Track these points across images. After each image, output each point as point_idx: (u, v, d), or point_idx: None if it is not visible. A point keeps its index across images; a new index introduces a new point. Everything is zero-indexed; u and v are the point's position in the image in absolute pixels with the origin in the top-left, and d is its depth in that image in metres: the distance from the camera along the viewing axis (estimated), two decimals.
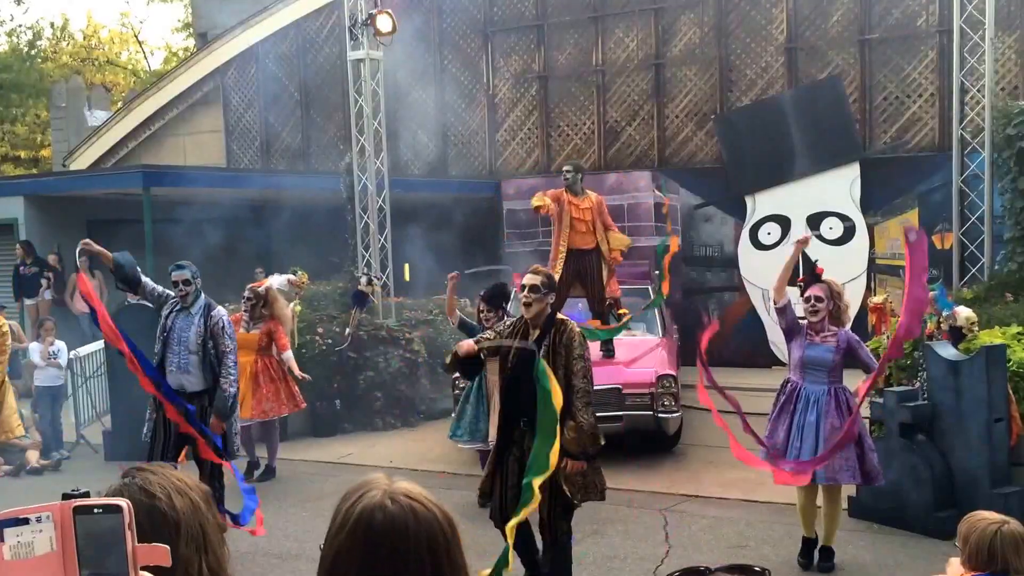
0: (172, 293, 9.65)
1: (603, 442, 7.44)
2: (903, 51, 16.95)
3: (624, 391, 12.28)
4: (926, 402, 9.75)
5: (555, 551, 7.54)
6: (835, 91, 17.21)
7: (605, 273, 13.10)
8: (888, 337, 11.28)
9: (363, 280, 15.00)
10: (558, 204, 12.94)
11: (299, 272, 14.66)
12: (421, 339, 15.62)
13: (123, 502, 1.91)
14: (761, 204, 17.52)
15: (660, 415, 12.23)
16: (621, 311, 13.34)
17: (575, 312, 13.27)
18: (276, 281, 13.26)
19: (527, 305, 7.30)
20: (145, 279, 9.64)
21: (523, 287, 7.35)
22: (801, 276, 9.07)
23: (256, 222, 19.40)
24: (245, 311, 12.46)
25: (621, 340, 13.21)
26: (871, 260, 17.08)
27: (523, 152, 20.21)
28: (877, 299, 13.15)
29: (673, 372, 12.56)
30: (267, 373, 12.39)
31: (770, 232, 17.43)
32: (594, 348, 13.04)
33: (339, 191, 16.78)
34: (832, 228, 16.97)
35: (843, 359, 8.44)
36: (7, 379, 13.44)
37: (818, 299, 8.45)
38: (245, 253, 18.18)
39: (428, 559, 2.22)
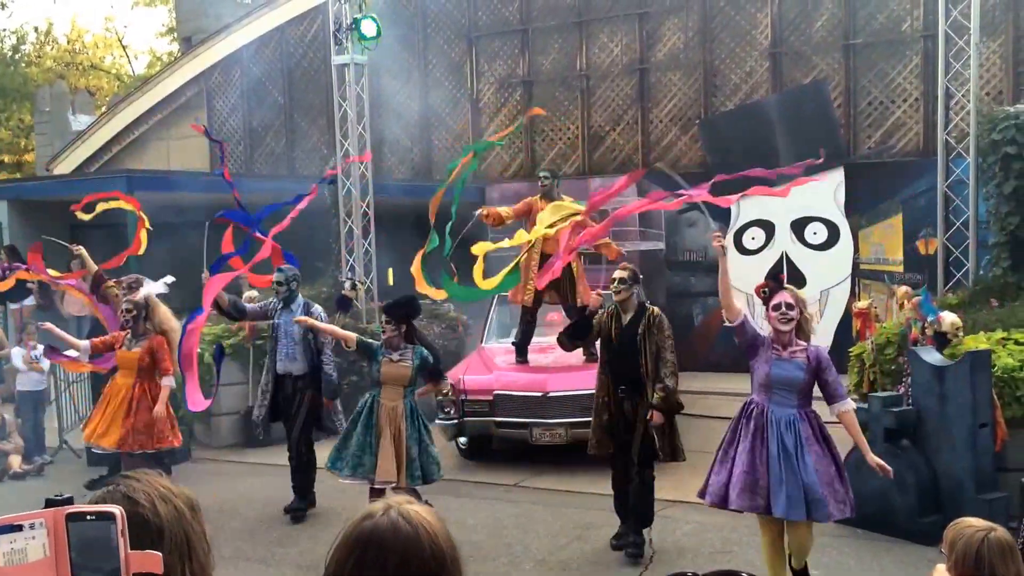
0: (272, 299, 11.43)
1: (683, 407, 9.18)
2: (888, 56, 16.95)
3: None
4: (911, 407, 9.74)
5: (642, 489, 9.32)
6: (820, 95, 17.21)
7: (578, 280, 13.08)
8: (872, 341, 11.28)
9: (347, 285, 14.92)
10: (529, 212, 12.96)
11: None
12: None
13: (116, 509, 1.93)
14: (746, 209, 17.49)
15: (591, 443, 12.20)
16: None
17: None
18: (153, 288, 11.50)
19: (617, 293, 9.24)
20: (248, 306, 11.52)
21: (613, 279, 9.27)
22: (763, 281, 8.00)
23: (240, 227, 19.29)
24: (127, 325, 11.15)
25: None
26: (855, 265, 17.07)
27: (507, 157, 20.18)
28: (862, 304, 13.17)
29: None
30: (145, 402, 10.85)
31: (754, 237, 17.41)
32: (577, 353, 13.07)
33: (323, 196, 16.71)
34: (816, 233, 16.96)
35: (813, 378, 7.53)
36: None
37: (789, 306, 7.54)
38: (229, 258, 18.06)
39: None
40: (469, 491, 11.04)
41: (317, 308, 11.30)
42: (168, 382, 10.90)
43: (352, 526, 2.31)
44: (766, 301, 7.69)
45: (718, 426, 8.65)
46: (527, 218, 13.26)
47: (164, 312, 11.26)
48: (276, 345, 11.20)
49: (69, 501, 1.95)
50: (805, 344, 7.60)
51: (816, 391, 7.69)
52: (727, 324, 7.86)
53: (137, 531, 2.12)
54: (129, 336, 11.06)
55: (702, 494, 7.83)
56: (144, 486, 2.25)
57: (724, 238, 8.34)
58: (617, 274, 9.36)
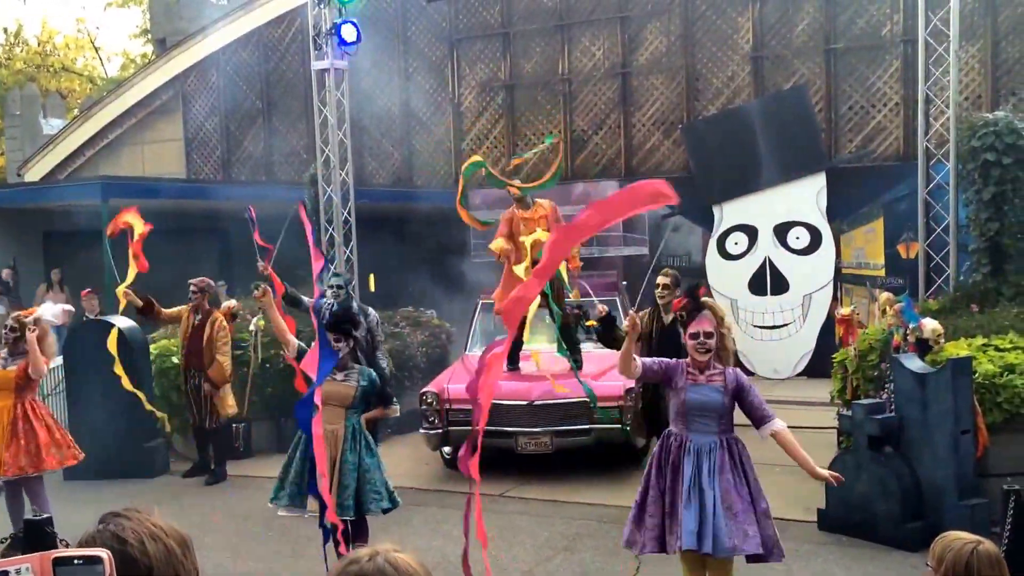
0: (327, 298, 12.07)
1: None
2: (868, 60, 17.21)
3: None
4: (893, 414, 9.94)
5: None
6: (801, 100, 17.44)
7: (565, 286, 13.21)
8: (855, 348, 11.50)
9: (328, 293, 15.06)
10: (510, 230, 13.06)
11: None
12: (388, 351, 15.68)
13: (103, 553, 1.98)
14: (729, 214, 17.71)
15: (628, 428, 12.34)
16: (590, 322, 13.46)
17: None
18: (48, 312, 11.10)
19: (661, 298, 10.09)
20: (303, 298, 12.19)
21: (657, 285, 10.04)
22: (680, 299, 7.65)
23: (217, 234, 19.44)
24: (5, 344, 10.43)
25: (590, 353, 13.31)
26: (837, 270, 17.32)
27: (489, 161, 20.29)
28: (844, 311, 13.38)
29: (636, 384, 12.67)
30: (27, 420, 10.12)
31: (737, 242, 17.62)
32: (562, 361, 13.23)
33: (304, 202, 16.83)
34: (799, 238, 17.19)
35: (732, 402, 7.15)
36: None
37: (707, 335, 7.04)
38: (206, 267, 18.21)
39: None
40: (454, 502, 11.11)
41: (374, 313, 12.46)
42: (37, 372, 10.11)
43: (337, 572, 2.36)
44: (684, 324, 7.32)
45: None
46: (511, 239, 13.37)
47: (51, 341, 10.45)
48: None
49: (48, 522, 2.02)
50: (722, 367, 7.15)
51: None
52: (631, 379, 7.42)
53: (125, 571, 2.19)
54: (6, 355, 10.32)
55: (630, 544, 7.38)
56: (134, 524, 2.31)
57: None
58: (660, 280, 10.17)
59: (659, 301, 10.25)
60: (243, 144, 22.89)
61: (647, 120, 19.02)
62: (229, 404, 13.20)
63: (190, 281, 13.05)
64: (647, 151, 18.99)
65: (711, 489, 6.92)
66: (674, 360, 7.25)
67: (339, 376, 8.91)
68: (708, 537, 6.84)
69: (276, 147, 22.46)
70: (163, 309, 13.09)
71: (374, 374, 9.31)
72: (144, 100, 23.83)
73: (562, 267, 13.02)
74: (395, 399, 9.89)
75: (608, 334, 9.79)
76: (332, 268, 16.28)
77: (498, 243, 13.04)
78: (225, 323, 13.10)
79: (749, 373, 16.60)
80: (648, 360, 7.29)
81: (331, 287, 12.20)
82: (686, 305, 7.53)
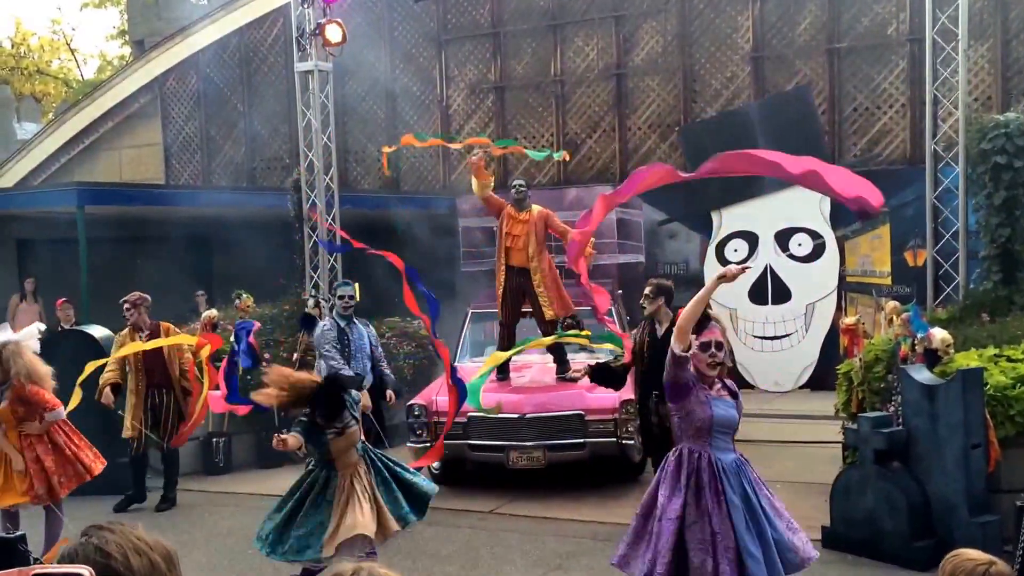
0: (325, 321, 12.18)
1: None
2: (873, 60, 17.16)
3: (587, 417, 12.30)
4: (901, 428, 9.85)
5: None
6: (803, 101, 17.40)
7: (547, 294, 13.12)
8: (861, 359, 11.42)
9: (310, 302, 14.99)
10: (499, 212, 13.15)
11: (243, 295, 14.65)
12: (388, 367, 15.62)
13: (85, 570, 1.96)
14: (728, 220, 17.66)
15: (624, 442, 12.25)
16: (585, 332, 13.39)
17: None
18: (26, 336, 10.81)
19: (643, 308, 10.27)
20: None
21: (644, 295, 10.22)
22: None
23: (198, 242, 19.34)
24: None
25: (582, 363, 13.26)
26: (842, 278, 17.25)
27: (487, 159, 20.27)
28: (849, 320, 13.30)
29: (635, 397, 12.57)
30: (34, 450, 9.85)
31: (737, 249, 17.57)
32: (553, 371, 13.18)
33: (286, 209, 16.76)
34: (801, 245, 17.13)
35: None
36: None
37: (719, 346, 6.86)
38: (185, 275, 18.12)
39: None
40: (442, 518, 11.01)
41: (372, 328, 12.59)
42: (55, 416, 9.90)
43: None
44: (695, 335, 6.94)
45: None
46: (495, 216, 13.43)
47: (29, 360, 9.95)
48: (345, 362, 11.80)
49: (22, 539, 1.97)
50: (721, 380, 7.00)
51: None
52: (676, 352, 6.70)
53: None
54: None
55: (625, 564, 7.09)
56: (118, 538, 2.28)
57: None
58: (646, 291, 10.33)
59: (645, 311, 10.37)
60: (224, 149, 22.83)
61: (643, 123, 18.97)
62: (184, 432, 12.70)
63: (123, 299, 12.60)
64: (643, 155, 18.94)
65: (762, 509, 6.75)
66: (691, 372, 6.91)
67: (340, 427, 8.36)
68: (776, 563, 6.67)
69: (258, 152, 22.41)
70: (114, 374, 12.36)
71: (354, 395, 8.72)
72: (121, 104, 23.78)
73: (537, 277, 13.05)
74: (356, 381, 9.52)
75: (604, 379, 10.40)
76: (313, 276, 16.19)
77: (483, 164, 13.38)
78: (176, 330, 12.76)
79: (749, 386, 16.67)
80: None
81: (341, 298, 12.09)
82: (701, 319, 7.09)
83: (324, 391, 8.28)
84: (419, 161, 20.84)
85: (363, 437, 8.81)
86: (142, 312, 12.42)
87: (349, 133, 20.83)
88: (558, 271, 13.52)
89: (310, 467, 8.71)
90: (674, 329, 6.80)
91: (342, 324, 11.92)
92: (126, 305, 12.42)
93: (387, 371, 12.36)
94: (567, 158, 15.66)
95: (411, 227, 18.12)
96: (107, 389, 12.21)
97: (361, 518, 8.13)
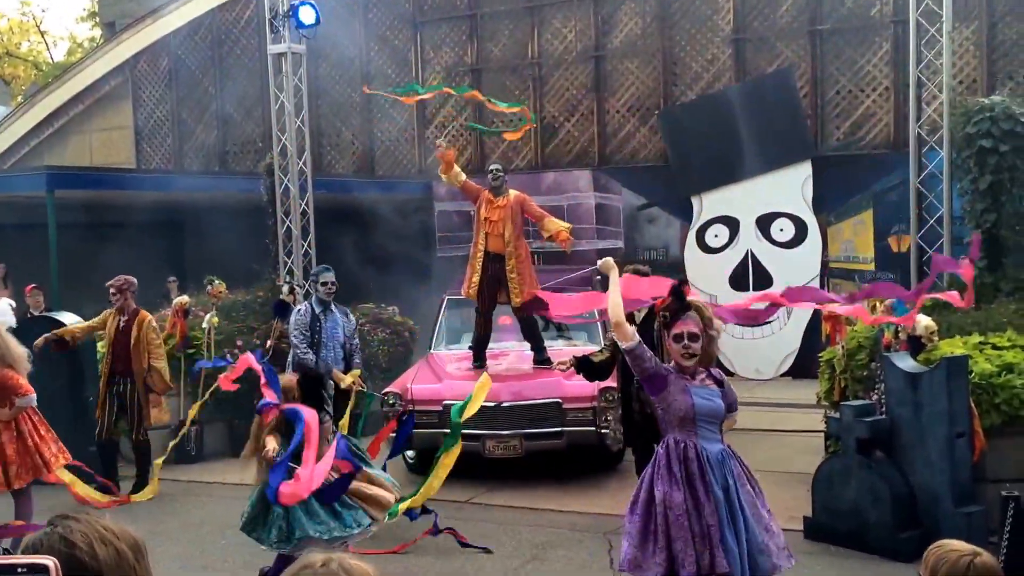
0: (301, 305, 12.07)
1: None
2: (856, 43, 17.08)
3: (564, 405, 12.22)
4: (884, 417, 9.77)
5: None
6: (785, 85, 17.32)
7: (518, 281, 13.05)
8: (843, 346, 11.33)
9: (284, 289, 14.86)
10: (476, 198, 13.09)
11: (215, 281, 14.53)
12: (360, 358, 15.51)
13: (50, 561, 1.96)
14: (708, 205, 17.57)
15: (603, 431, 12.18)
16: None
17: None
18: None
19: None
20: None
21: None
22: (662, 299, 6.97)
23: (169, 227, 19.18)
24: None
25: (560, 350, 13.18)
26: (824, 264, 17.18)
27: (455, 150, 20.15)
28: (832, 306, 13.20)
29: (615, 384, 12.48)
30: (8, 433, 9.58)
31: (717, 235, 17.49)
32: (532, 359, 13.09)
33: (259, 193, 16.64)
34: (783, 230, 17.05)
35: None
36: None
37: (692, 337, 6.64)
38: (157, 261, 17.96)
39: None
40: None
41: (353, 318, 12.21)
42: (26, 401, 9.57)
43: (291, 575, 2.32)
44: (667, 325, 6.77)
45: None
46: (472, 203, 13.37)
47: (4, 341, 9.60)
48: (314, 350, 11.61)
49: None
50: (706, 369, 6.83)
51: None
52: (624, 347, 6.63)
53: (73, 574, 2.15)
54: None
55: (636, 568, 6.70)
56: (83, 527, 2.25)
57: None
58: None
59: None
60: (196, 132, 22.67)
61: (622, 106, 18.86)
62: (162, 411, 12.83)
63: (108, 283, 12.54)
64: (622, 139, 18.83)
65: (739, 503, 6.57)
66: (667, 366, 6.76)
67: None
68: (746, 558, 6.51)
69: (230, 135, 22.26)
70: (75, 329, 12.42)
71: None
72: (92, 86, 23.61)
73: (511, 263, 12.99)
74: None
75: (591, 371, 10.32)
76: (287, 262, 16.05)
77: (452, 155, 13.44)
78: (154, 324, 12.59)
79: (729, 374, 16.59)
80: (644, 346, 6.68)
81: (324, 284, 11.67)
82: (670, 305, 6.81)
83: (303, 384, 8.67)
84: (394, 145, 20.70)
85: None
86: (128, 297, 12.38)
87: (323, 116, 20.68)
88: (533, 257, 13.47)
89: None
90: (612, 324, 6.74)
91: (318, 310, 11.67)
92: (112, 289, 12.36)
93: (358, 360, 12.05)
94: (532, 125, 15.53)
95: (385, 211, 18.02)
96: (50, 337, 11.97)
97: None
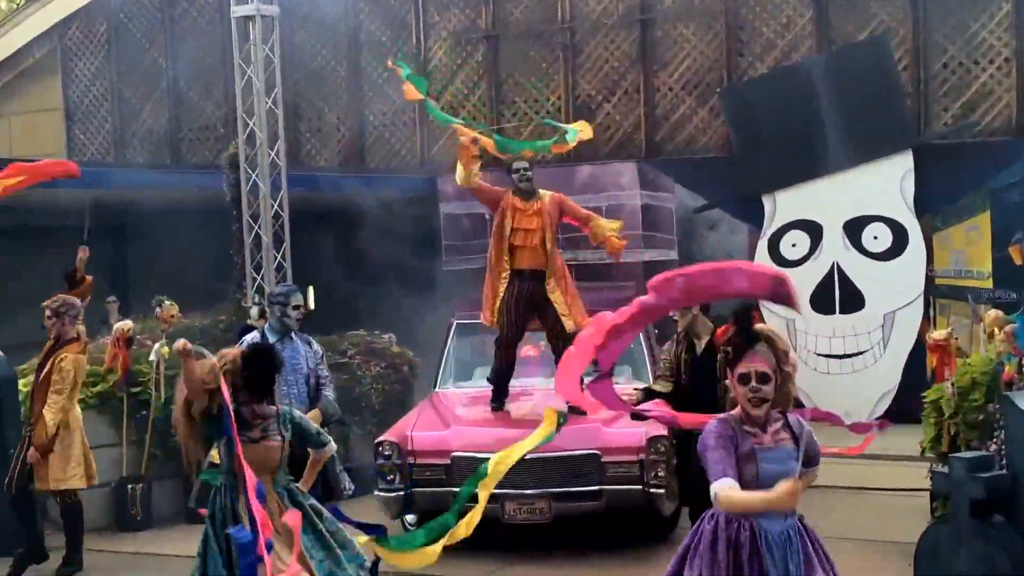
0: (271, 327, 12.03)
1: None
2: (969, 4, 17.09)
3: (604, 458, 12.29)
4: (1004, 472, 9.83)
5: None
6: (880, 56, 17.29)
7: (564, 300, 13.13)
8: (953, 383, 11.38)
9: (253, 311, 14.94)
10: (496, 203, 13.11)
11: (165, 302, 14.63)
12: (333, 391, 15.55)
13: None
14: (784, 206, 17.57)
15: (652, 489, 12.23)
16: None
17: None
18: None
19: (674, 320, 10.59)
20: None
21: None
22: (726, 327, 6.82)
23: (108, 234, 19.26)
24: None
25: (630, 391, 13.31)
26: (929, 279, 17.17)
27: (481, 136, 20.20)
28: (938, 335, 13.23)
29: (667, 432, 12.54)
30: None
31: (795, 243, 17.49)
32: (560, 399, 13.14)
33: (220, 191, 16.72)
34: (877, 238, 17.03)
35: None
36: None
37: (763, 378, 6.43)
38: (93, 276, 18.05)
39: None
40: None
41: (317, 346, 12.39)
42: None
43: None
44: (730, 362, 6.61)
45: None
46: (492, 210, 13.42)
47: None
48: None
49: None
50: (782, 416, 6.63)
51: None
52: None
53: None
54: None
55: None
56: None
57: None
58: None
59: (679, 324, 10.69)
60: (141, 115, 22.73)
61: (675, 82, 18.90)
62: (58, 476, 12.33)
63: (44, 304, 12.59)
64: (675, 123, 18.86)
65: None
66: (724, 420, 6.56)
67: (255, 433, 8.57)
68: None
69: (185, 119, 22.32)
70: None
71: (295, 412, 9.00)
72: (11, 59, 23.68)
73: (552, 282, 13.08)
74: (326, 437, 9.36)
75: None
76: (256, 277, 16.16)
77: (475, 152, 13.46)
78: (71, 361, 12.27)
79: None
80: (727, 462, 6.37)
81: (296, 308, 11.88)
82: (733, 336, 6.61)
83: (249, 359, 8.58)
84: (389, 130, 20.76)
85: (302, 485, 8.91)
86: (65, 323, 12.31)
87: (300, 95, 20.76)
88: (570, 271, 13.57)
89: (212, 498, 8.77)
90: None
91: (272, 339, 11.64)
92: (47, 312, 12.39)
93: (328, 393, 12.04)
94: (587, 135, 15.12)
95: (379, 214, 18.08)
96: None
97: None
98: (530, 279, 13.04)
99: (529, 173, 13.19)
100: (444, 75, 20.39)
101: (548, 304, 13.09)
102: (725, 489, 6.20)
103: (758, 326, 6.64)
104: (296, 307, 11.87)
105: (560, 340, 12.93)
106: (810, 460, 6.63)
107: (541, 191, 13.26)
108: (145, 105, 22.66)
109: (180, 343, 8.65)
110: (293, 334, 11.92)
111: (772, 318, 15.89)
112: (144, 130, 22.76)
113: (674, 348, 10.68)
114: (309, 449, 9.30)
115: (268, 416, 8.65)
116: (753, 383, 6.40)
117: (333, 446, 9.44)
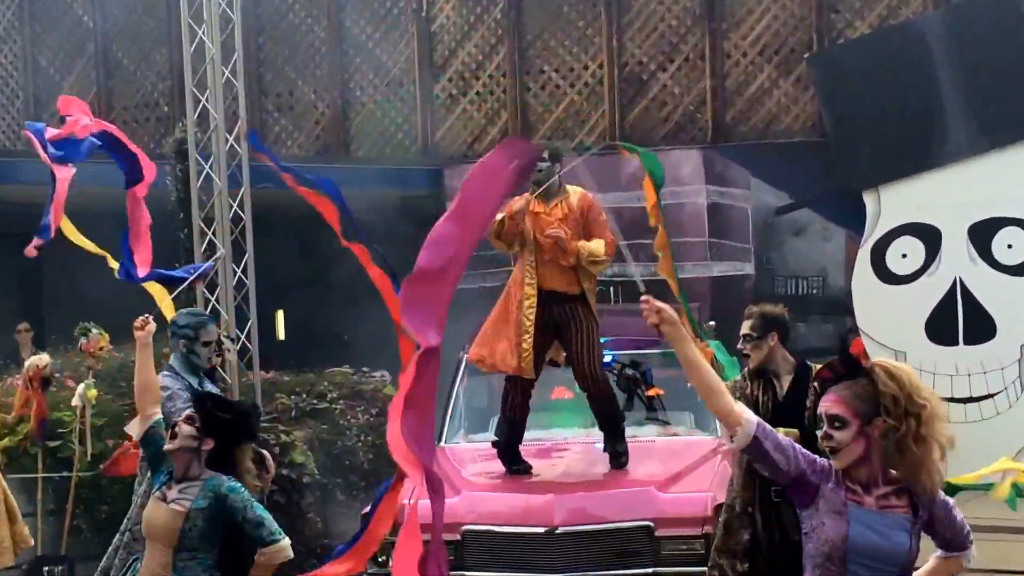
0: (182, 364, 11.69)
1: None
2: None
3: (659, 531, 12.25)
4: None
5: None
6: (1011, 12, 17.33)
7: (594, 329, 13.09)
8: None
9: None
10: (513, 220, 12.88)
11: (92, 331, 14.63)
12: (308, 444, 15.56)
13: None
14: (891, 206, 17.55)
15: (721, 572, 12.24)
16: (652, 391, 13.36)
17: None
18: None
19: (746, 355, 10.58)
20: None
21: (743, 335, 10.47)
22: (826, 364, 6.69)
23: (16, 243, 19.38)
24: None
25: (650, 443, 13.27)
26: None
27: (481, 117, 20.26)
28: None
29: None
30: None
31: (906, 253, 17.46)
32: (602, 458, 13.12)
33: (163, 188, 16.75)
34: (1012, 246, 16.99)
35: (919, 544, 6.42)
36: None
37: (837, 422, 6.32)
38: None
39: None
40: None
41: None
42: None
43: None
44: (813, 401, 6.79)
45: None
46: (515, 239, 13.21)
47: None
48: None
49: None
50: (900, 483, 6.42)
51: None
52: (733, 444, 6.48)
53: None
54: None
55: None
56: None
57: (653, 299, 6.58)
58: (743, 327, 10.57)
59: (751, 359, 10.65)
60: (61, 89, 22.77)
61: (750, 46, 18.95)
62: None
63: None
64: (750, 99, 18.91)
65: None
66: (826, 462, 6.45)
67: (172, 492, 8.65)
68: None
69: (118, 94, 22.41)
70: None
71: (231, 485, 8.76)
72: None
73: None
74: (278, 532, 8.96)
75: None
76: (209, 298, 16.20)
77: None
78: None
79: None
80: (769, 428, 6.43)
81: (206, 344, 11.84)
82: (832, 368, 6.55)
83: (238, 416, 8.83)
84: (380, 108, 20.81)
85: None
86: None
87: (266, 63, 20.84)
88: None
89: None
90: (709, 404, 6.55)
91: (192, 382, 11.57)
92: None
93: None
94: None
95: (368, 216, 18.10)
96: None
97: None
98: (555, 302, 12.95)
99: (547, 166, 12.62)
100: (453, 38, 20.44)
101: (579, 332, 13.02)
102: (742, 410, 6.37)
103: (876, 360, 6.47)
104: (206, 343, 11.79)
105: (591, 379, 13.01)
106: (949, 543, 6.56)
107: (569, 187, 13.10)
108: (65, 77, 22.76)
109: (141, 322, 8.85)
110: (206, 378, 11.85)
111: (876, 348, 15.89)
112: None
113: (747, 390, 10.45)
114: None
115: (196, 478, 8.66)
116: (824, 427, 6.32)
117: (285, 547, 9.02)
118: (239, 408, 9.09)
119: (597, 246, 12.81)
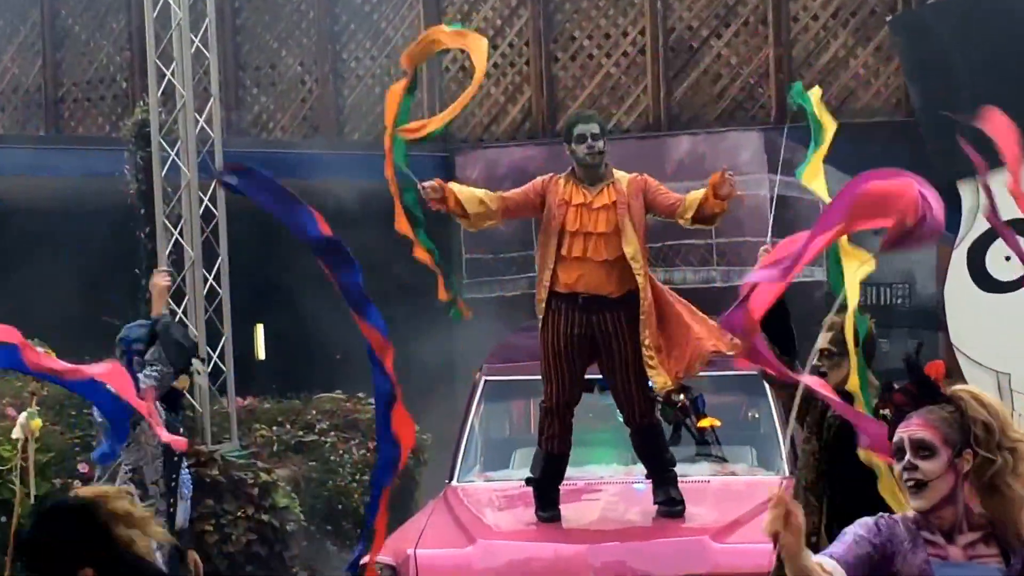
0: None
1: None
2: None
3: None
4: None
5: None
6: None
7: (650, 341, 12.88)
8: None
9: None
10: (539, 206, 12.73)
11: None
12: (293, 484, 15.49)
13: None
14: (994, 198, 17.47)
15: None
16: (705, 421, 13.26)
17: None
18: None
19: (822, 373, 10.47)
20: None
21: (820, 350, 10.36)
22: (897, 390, 6.49)
23: None
24: None
25: (706, 484, 13.16)
26: None
27: (500, 95, 20.22)
28: None
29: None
30: None
31: (1010, 255, 17.34)
32: (645, 499, 12.96)
33: (121, 178, 16.67)
34: None
35: None
36: None
37: (921, 448, 6.07)
38: None
39: None
40: None
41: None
42: None
43: None
44: (889, 435, 6.42)
45: None
46: (537, 213, 13.07)
47: None
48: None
49: None
50: (989, 527, 6.17)
51: None
52: None
53: None
54: None
55: None
56: None
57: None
58: (820, 342, 10.18)
59: (829, 377, 10.46)
60: (11, 70, 22.85)
61: (820, 8, 18.87)
62: None
63: None
64: (822, 71, 18.83)
65: None
66: (885, 518, 6.20)
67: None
68: None
69: (68, 68, 22.42)
70: None
71: None
72: None
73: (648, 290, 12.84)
74: None
75: None
76: (177, 310, 16.12)
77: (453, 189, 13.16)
78: None
79: None
80: (843, 550, 6.01)
81: (153, 366, 11.87)
82: (908, 394, 6.31)
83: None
84: (379, 82, 20.74)
85: None
86: None
87: (244, 31, 20.80)
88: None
89: None
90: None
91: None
92: None
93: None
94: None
95: (364, 212, 18.00)
96: None
97: None
98: (585, 310, 12.73)
99: (600, 144, 12.67)
100: (464, 3, 20.36)
101: (622, 347, 12.83)
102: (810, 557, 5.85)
103: (961, 389, 6.19)
104: (153, 366, 11.87)
105: (639, 407, 12.81)
106: None
107: (617, 172, 12.92)
108: (6, 48, 22.77)
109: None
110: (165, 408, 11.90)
111: (974, 370, 15.75)
112: (10, 88, 22.87)
113: (812, 412, 10.65)
114: None
115: None
116: (908, 457, 6.01)
117: None
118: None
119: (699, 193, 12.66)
